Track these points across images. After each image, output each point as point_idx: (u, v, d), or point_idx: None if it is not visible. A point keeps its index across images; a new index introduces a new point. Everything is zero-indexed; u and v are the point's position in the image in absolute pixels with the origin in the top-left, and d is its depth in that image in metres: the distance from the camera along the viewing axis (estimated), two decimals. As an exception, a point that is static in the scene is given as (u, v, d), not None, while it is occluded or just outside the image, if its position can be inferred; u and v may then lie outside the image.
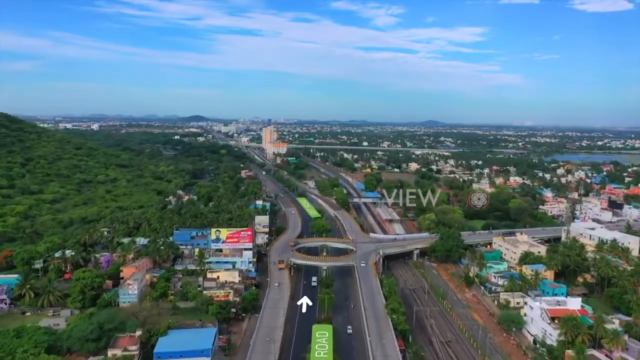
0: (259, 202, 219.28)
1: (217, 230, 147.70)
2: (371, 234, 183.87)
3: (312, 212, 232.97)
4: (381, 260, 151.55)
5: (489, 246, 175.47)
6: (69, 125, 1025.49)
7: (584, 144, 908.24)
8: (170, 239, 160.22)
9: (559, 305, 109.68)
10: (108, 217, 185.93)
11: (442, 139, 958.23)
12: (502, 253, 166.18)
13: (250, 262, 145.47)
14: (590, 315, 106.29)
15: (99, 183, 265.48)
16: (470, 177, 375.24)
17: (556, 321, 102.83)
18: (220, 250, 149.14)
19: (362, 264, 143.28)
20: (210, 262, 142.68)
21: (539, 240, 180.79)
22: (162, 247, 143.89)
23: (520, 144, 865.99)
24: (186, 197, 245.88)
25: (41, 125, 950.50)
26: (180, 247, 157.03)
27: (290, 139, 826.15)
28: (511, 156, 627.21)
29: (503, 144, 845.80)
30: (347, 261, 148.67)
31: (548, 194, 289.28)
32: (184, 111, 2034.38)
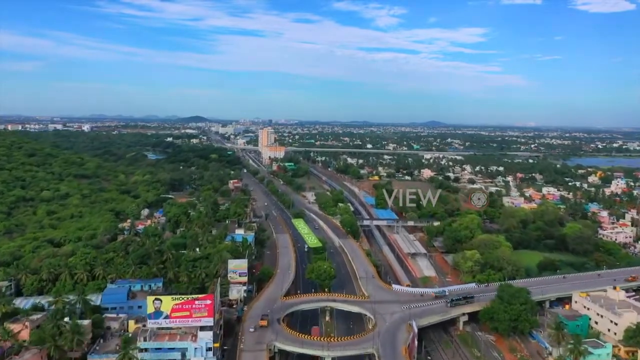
0: (239, 233, 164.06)
1: (157, 299, 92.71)
2: (394, 286, 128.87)
3: (311, 240, 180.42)
4: (416, 339, 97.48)
5: (567, 306, 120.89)
6: (59, 127, 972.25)
7: (600, 146, 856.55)
8: (95, 300, 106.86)
9: None
10: (16, 263, 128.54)
11: (448, 140, 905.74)
12: (590, 319, 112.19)
13: (209, 349, 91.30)
14: None
15: (42, 201, 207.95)
16: (496, 188, 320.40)
17: None
18: (170, 329, 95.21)
19: None
20: (145, 350, 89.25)
21: (636, 297, 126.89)
22: (64, 327, 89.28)
23: (532, 146, 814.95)
24: (148, 222, 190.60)
25: (35, 126, 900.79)
26: (109, 314, 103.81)
27: (290, 140, 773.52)
28: (529, 160, 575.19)
29: (514, 146, 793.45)
30: (364, 347, 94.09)
31: (603, 213, 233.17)
32: (185, 112, 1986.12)
